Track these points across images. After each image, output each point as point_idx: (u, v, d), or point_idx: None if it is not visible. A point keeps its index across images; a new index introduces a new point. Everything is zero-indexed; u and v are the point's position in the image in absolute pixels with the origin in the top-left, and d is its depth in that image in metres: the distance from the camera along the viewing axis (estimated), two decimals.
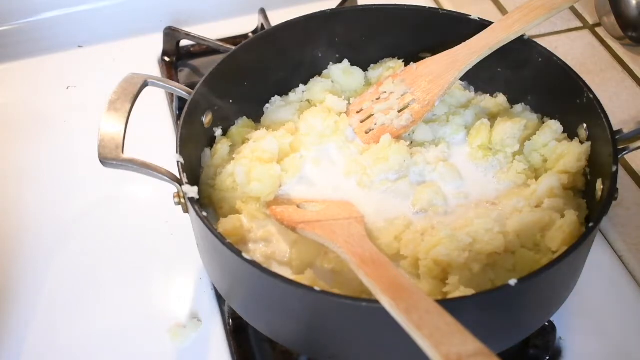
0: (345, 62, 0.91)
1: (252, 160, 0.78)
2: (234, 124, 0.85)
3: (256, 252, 0.74)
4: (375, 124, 0.85)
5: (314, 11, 0.87)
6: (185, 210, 0.71)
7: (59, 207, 0.91)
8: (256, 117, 0.88)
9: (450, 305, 0.61)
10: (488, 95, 0.90)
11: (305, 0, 1.12)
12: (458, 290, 0.66)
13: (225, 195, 0.77)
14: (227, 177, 0.78)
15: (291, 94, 0.90)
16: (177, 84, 0.79)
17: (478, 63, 0.83)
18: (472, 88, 0.91)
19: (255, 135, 0.82)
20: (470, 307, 0.60)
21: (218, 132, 0.83)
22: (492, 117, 0.86)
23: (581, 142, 0.78)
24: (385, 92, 0.87)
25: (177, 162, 0.70)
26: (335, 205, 0.77)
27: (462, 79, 0.90)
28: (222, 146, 0.81)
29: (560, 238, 0.71)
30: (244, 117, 0.86)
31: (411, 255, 0.71)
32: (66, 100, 1.06)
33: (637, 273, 0.83)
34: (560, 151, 0.79)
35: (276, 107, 0.88)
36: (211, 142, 0.82)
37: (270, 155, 0.79)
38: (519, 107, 0.87)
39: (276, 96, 0.89)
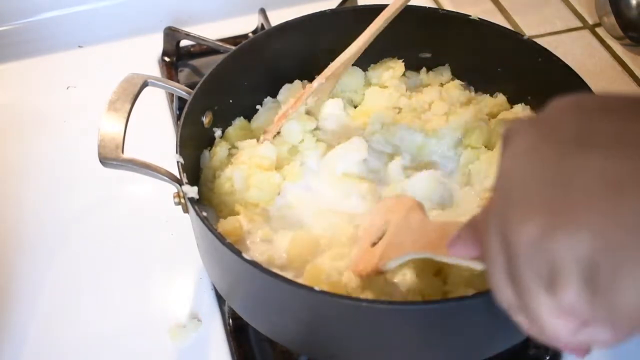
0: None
1: (251, 167, 0.78)
2: (232, 124, 0.85)
3: (255, 252, 0.74)
4: None
5: (314, 11, 0.87)
6: (185, 211, 0.71)
7: (59, 207, 0.91)
8: (255, 117, 0.88)
9: (451, 305, 0.61)
10: (488, 95, 0.90)
11: (305, 0, 1.12)
12: (458, 290, 0.66)
13: (223, 198, 0.77)
14: (226, 181, 0.78)
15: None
16: (177, 84, 0.79)
17: (477, 62, 0.83)
18: (472, 88, 0.91)
19: (242, 145, 0.81)
20: (470, 307, 0.60)
21: (218, 132, 0.83)
22: (492, 117, 0.86)
23: None
24: None
25: (177, 162, 0.70)
26: (391, 211, 0.71)
27: (461, 78, 0.90)
28: (220, 148, 0.81)
29: None
30: (241, 117, 0.86)
31: None
32: (66, 100, 1.06)
33: None
34: None
35: (267, 108, 0.88)
36: (211, 142, 0.82)
37: (270, 162, 0.79)
38: (519, 107, 0.86)
39: (268, 97, 0.89)
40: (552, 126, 0.41)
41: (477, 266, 0.51)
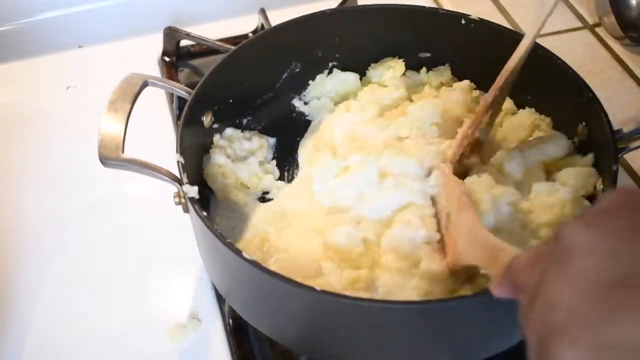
0: (337, 73, 0.91)
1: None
2: (232, 125, 0.85)
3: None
4: None
5: (314, 11, 0.87)
6: (186, 210, 0.71)
7: (59, 207, 0.91)
8: (255, 117, 0.88)
9: (450, 304, 0.61)
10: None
11: (305, 0, 1.12)
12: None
13: (216, 186, 0.79)
14: (214, 167, 0.80)
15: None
16: (177, 83, 0.79)
17: (477, 62, 0.83)
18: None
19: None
20: (470, 307, 0.60)
21: (218, 133, 0.83)
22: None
23: (581, 142, 0.78)
24: None
25: (178, 161, 0.70)
26: (446, 196, 0.74)
27: (461, 78, 0.90)
28: (220, 149, 0.82)
29: None
30: (239, 119, 0.87)
31: None
32: (66, 100, 1.06)
33: None
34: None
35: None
36: (211, 141, 0.83)
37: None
38: (524, 113, 0.86)
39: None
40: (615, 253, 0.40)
41: None
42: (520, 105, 0.87)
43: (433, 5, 1.21)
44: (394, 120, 0.83)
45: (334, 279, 0.70)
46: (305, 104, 0.92)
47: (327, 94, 0.91)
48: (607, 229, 0.41)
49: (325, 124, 0.89)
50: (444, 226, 0.72)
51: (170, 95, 1.04)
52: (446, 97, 0.86)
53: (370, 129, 0.84)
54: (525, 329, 0.44)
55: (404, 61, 0.91)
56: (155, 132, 0.97)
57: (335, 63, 0.91)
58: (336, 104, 0.91)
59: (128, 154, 0.68)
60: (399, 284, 0.68)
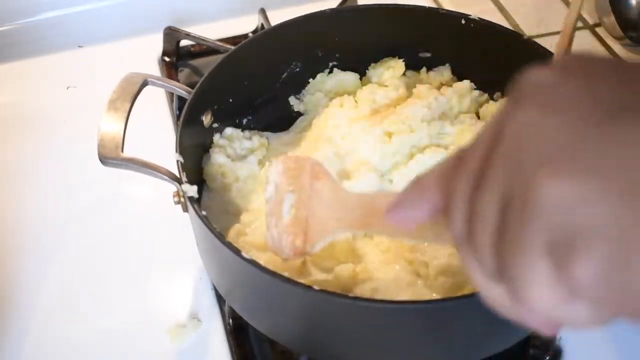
0: (337, 73, 0.91)
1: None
2: (232, 124, 0.85)
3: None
4: None
5: (314, 11, 0.87)
6: (185, 210, 0.71)
7: (59, 207, 0.91)
8: (255, 116, 0.88)
9: (451, 304, 0.61)
10: (487, 95, 0.90)
11: (305, 0, 1.12)
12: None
13: (216, 185, 0.80)
14: (214, 166, 0.80)
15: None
16: (177, 83, 0.79)
17: (477, 62, 0.83)
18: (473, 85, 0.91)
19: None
20: (470, 306, 0.60)
21: (217, 133, 0.83)
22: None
23: None
24: None
25: (177, 161, 0.70)
26: (293, 176, 0.62)
27: (461, 78, 0.90)
28: (220, 148, 0.82)
29: None
30: (239, 119, 0.87)
31: None
32: (66, 100, 1.06)
33: None
34: None
35: None
36: (211, 141, 0.83)
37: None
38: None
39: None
40: (588, 84, 0.34)
41: (423, 239, 0.43)
42: None
43: (433, 5, 1.21)
44: (386, 118, 0.83)
45: (323, 277, 0.71)
46: (301, 102, 0.92)
47: (327, 94, 0.91)
48: (579, 70, 0.35)
49: (317, 120, 0.89)
50: (286, 215, 0.60)
51: (170, 95, 1.04)
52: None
53: (355, 126, 0.84)
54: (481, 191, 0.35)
55: (404, 61, 0.91)
56: (155, 132, 0.97)
57: (335, 63, 0.91)
58: (331, 99, 0.91)
59: (128, 153, 0.68)
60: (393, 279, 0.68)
